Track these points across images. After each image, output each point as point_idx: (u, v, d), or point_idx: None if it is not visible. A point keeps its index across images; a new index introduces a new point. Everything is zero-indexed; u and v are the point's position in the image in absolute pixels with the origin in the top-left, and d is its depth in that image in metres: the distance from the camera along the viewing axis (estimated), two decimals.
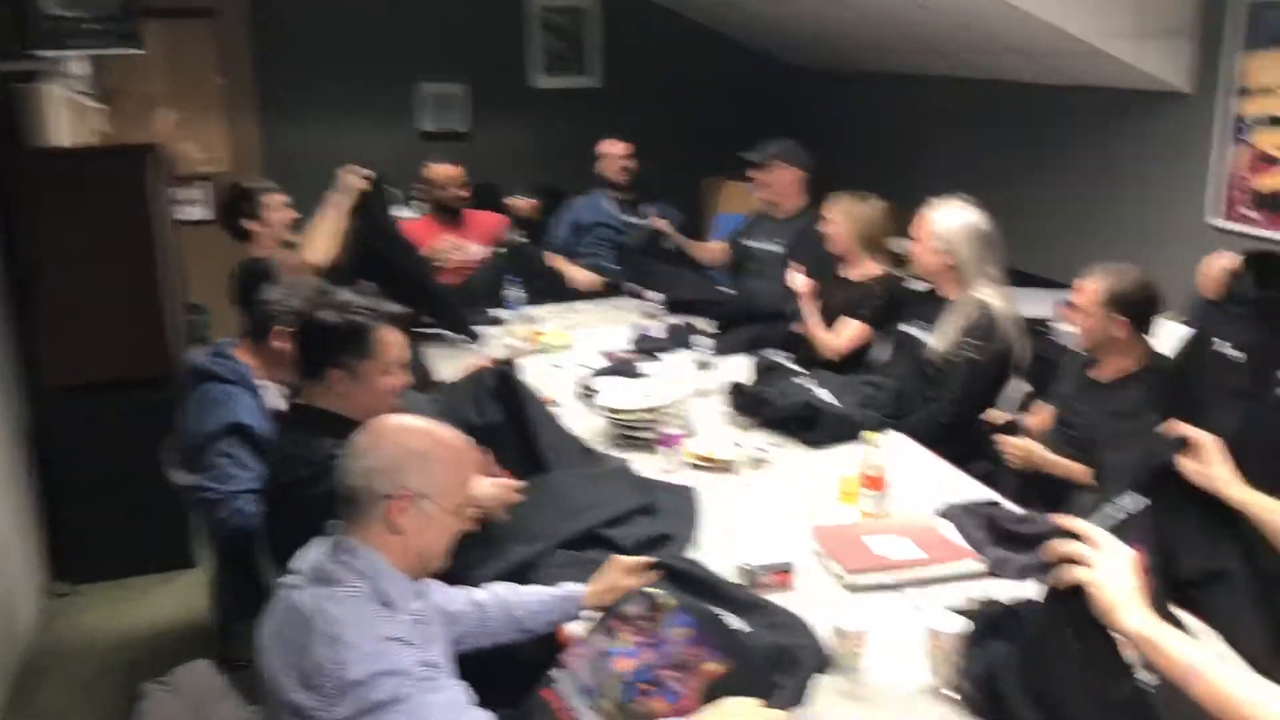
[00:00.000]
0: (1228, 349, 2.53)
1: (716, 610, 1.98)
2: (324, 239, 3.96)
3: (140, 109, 6.17)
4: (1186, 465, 1.95)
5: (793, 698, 1.87)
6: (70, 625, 4.01)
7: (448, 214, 4.97)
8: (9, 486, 3.89)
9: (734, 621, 1.97)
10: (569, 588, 2.17)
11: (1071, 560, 1.55)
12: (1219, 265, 2.80)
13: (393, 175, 6.08)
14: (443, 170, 4.97)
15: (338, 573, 1.77)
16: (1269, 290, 2.62)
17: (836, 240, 4.05)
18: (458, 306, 4.40)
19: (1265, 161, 4.04)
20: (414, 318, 3.56)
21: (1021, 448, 3.13)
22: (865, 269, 4.03)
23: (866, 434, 2.76)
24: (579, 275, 5.03)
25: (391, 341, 2.46)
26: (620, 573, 2.13)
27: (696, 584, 2.12)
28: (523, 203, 5.48)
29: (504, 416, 2.82)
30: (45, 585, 4.23)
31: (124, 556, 4.26)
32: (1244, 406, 2.01)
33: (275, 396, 2.99)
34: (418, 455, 1.83)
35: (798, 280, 4.04)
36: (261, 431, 2.85)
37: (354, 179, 4.05)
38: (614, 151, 5.34)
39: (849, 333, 3.92)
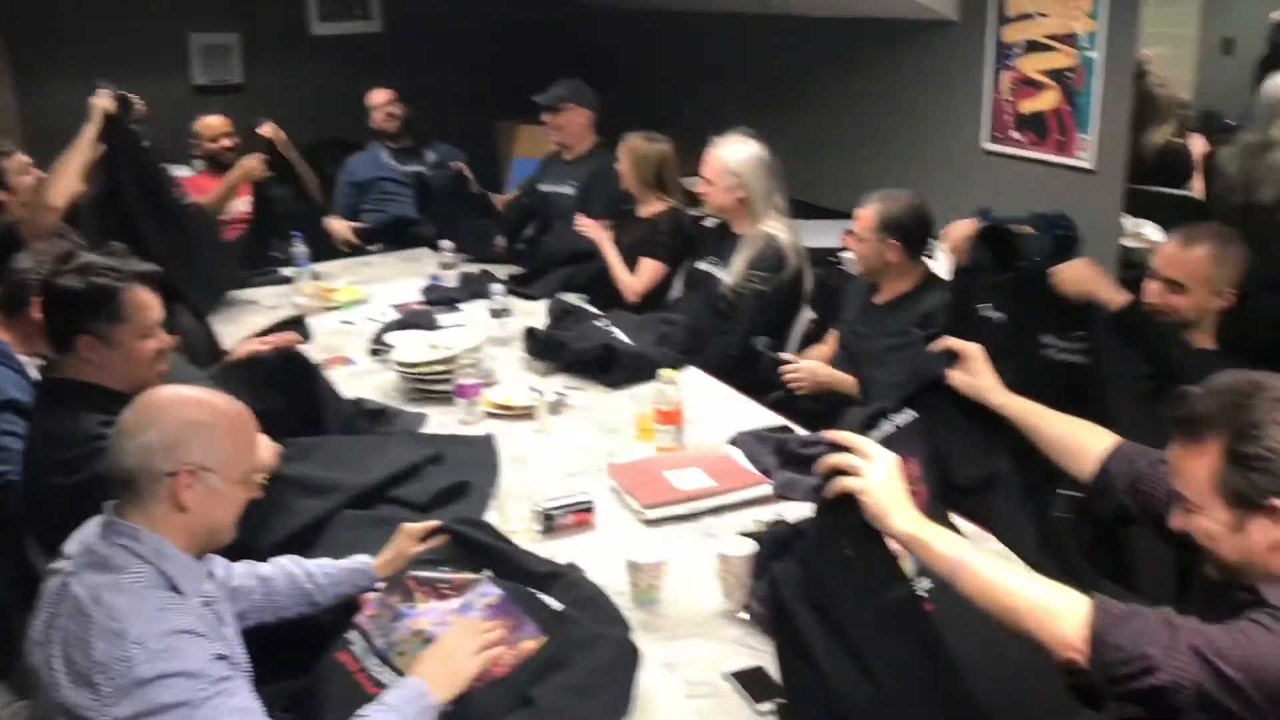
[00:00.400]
0: (990, 311, 2.62)
1: (531, 590, 1.96)
2: (66, 177, 3.55)
3: None
4: (955, 377, 2.05)
5: (620, 703, 1.80)
6: None
7: (221, 168, 4.77)
8: None
9: (549, 601, 1.94)
10: (358, 559, 2.09)
11: (842, 471, 1.60)
12: (960, 234, 2.80)
13: (166, 134, 5.78)
14: (210, 122, 4.86)
15: (116, 558, 1.65)
16: (1004, 262, 2.70)
17: (626, 179, 4.05)
18: (214, 270, 4.09)
19: (1027, 85, 4.23)
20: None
21: (804, 369, 3.23)
22: (653, 207, 4.05)
23: (662, 371, 2.78)
24: (335, 226, 4.99)
25: (145, 302, 2.33)
26: (409, 540, 2.08)
27: (486, 549, 2.08)
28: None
29: (285, 402, 2.67)
30: None
31: None
32: (1013, 366, 2.12)
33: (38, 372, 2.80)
34: (199, 427, 1.72)
35: (588, 226, 4.04)
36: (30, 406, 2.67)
37: (100, 101, 3.67)
38: (379, 100, 5.22)
39: (646, 273, 3.94)
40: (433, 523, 2.11)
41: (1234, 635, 1.39)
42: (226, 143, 4.83)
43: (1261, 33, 4.12)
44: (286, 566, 2.08)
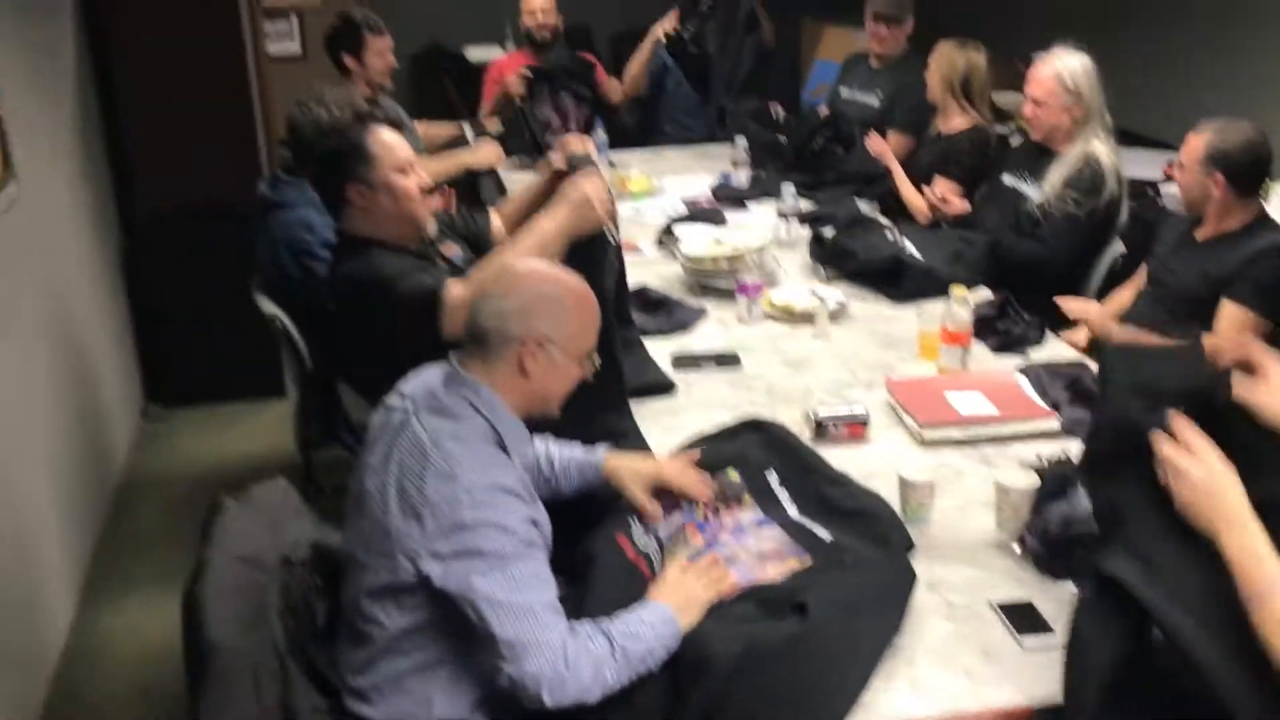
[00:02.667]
0: None
1: (802, 522, 1.96)
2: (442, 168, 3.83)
3: None
4: (1245, 390, 1.60)
5: (892, 623, 1.75)
6: (164, 448, 4.18)
7: (539, 48, 4.88)
8: (104, 311, 4.01)
9: (820, 531, 1.94)
10: (596, 453, 2.10)
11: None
12: None
13: (485, 11, 5.95)
14: (535, 2, 4.87)
15: (456, 406, 1.77)
16: None
17: (930, 89, 3.88)
18: None
19: None
20: None
21: (1080, 309, 3.04)
22: (954, 122, 3.86)
23: (955, 288, 2.68)
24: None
25: (389, 141, 2.47)
26: (645, 484, 2.04)
27: (772, 446, 2.10)
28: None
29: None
30: (141, 408, 4.40)
31: (216, 383, 4.40)
32: None
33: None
34: (551, 301, 1.83)
35: (878, 146, 3.91)
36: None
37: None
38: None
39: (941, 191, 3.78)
40: (689, 454, 2.11)
41: None
42: (545, 20, 4.85)
43: None
44: (543, 445, 2.11)
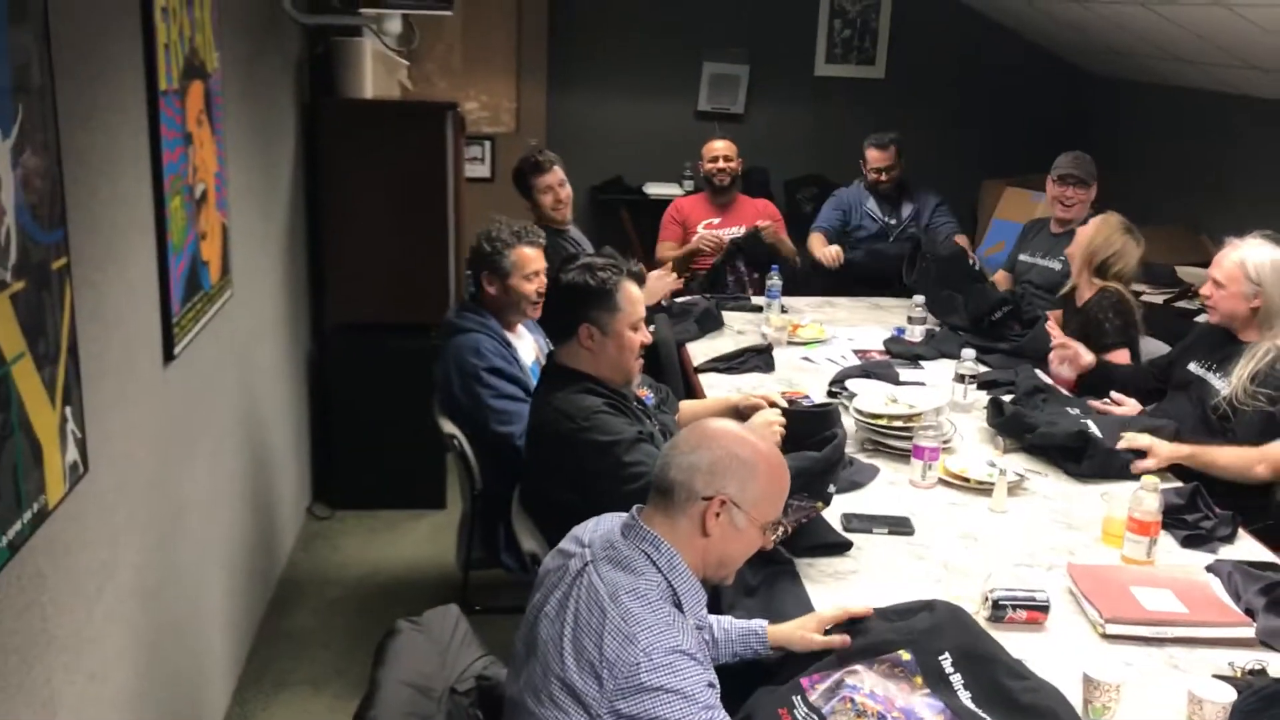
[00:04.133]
0: None
1: (975, 710, 1.90)
2: None
3: (438, 67, 6.49)
4: None
5: None
6: (328, 548, 4.30)
7: (717, 192, 5.03)
8: (289, 412, 4.20)
9: None
10: (757, 623, 2.10)
11: None
12: None
13: (666, 151, 6.18)
14: (715, 145, 5.07)
15: (635, 560, 1.78)
16: None
17: (1072, 253, 3.89)
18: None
19: None
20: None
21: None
22: (1084, 294, 3.83)
23: (1147, 477, 2.59)
24: (823, 250, 4.99)
25: (635, 296, 2.61)
26: (814, 624, 2.07)
27: (951, 631, 2.04)
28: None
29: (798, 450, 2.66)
30: (309, 507, 4.55)
31: (383, 490, 4.54)
32: None
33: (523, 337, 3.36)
34: (743, 464, 1.83)
35: (1058, 334, 3.81)
36: (511, 372, 3.16)
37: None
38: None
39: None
40: (855, 609, 2.08)
41: None
42: (725, 165, 5.02)
43: None
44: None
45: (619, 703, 1.64)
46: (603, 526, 1.89)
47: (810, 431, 2.65)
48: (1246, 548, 2.69)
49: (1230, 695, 1.89)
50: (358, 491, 4.55)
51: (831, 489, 2.57)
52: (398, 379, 4.34)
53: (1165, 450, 3.01)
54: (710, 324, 4.25)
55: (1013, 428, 3.17)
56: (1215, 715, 1.89)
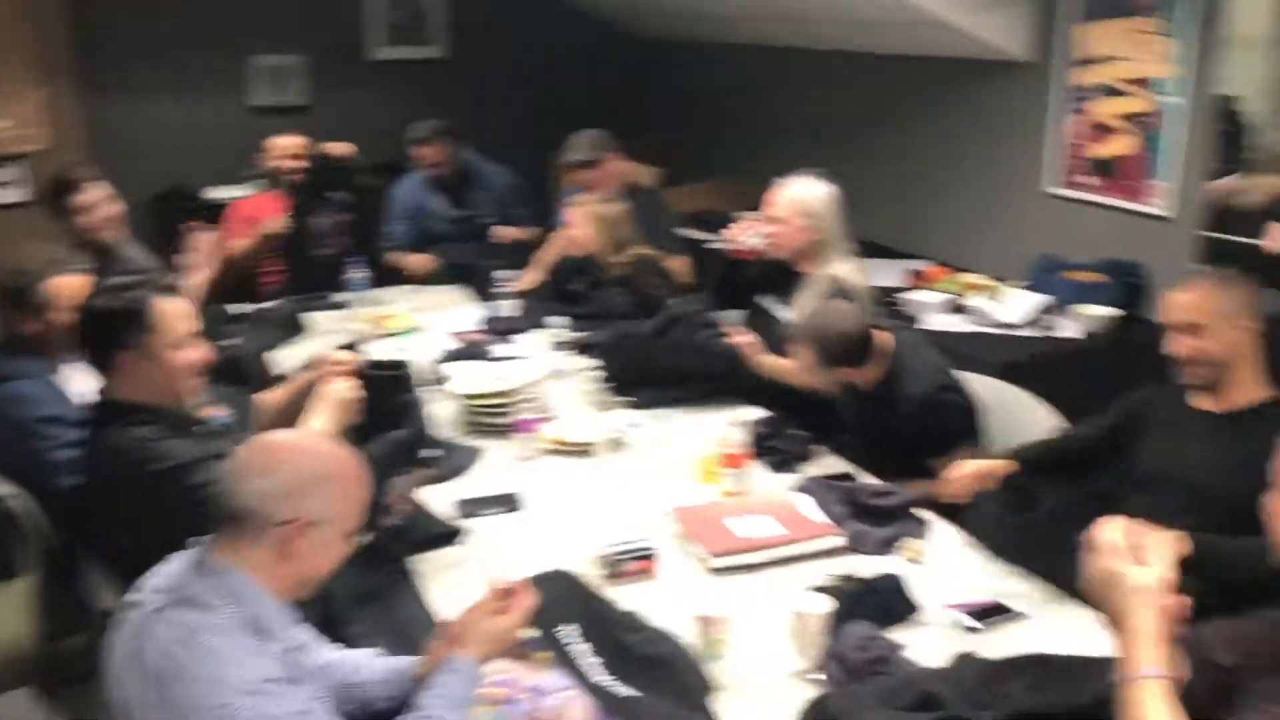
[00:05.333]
0: None
1: (600, 683, 1.89)
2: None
3: None
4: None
5: None
6: None
7: (295, 190, 4.72)
8: None
9: (620, 689, 1.87)
10: (406, 661, 1.90)
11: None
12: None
13: (221, 152, 5.80)
14: (281, 141, 4.76)
15: (206, 596, 1.60)
16: None
17: (585, 243, 4.07)
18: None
19: (1100, 130, 4.14)
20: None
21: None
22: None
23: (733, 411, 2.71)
24: (412, 261, 4.84)
25: (173, 311, 2.36)
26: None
27: (567, 600, 2.03)
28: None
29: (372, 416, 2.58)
30: None
31: None
32: None
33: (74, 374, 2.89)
34: (320, 480, 1.67)
35: None
36: (71, 416, 2.74)
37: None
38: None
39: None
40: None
41: None
42: (293, 163, 4.73)
43: None
44: (343, 657, 1.93)
45: None
46: (169, 568, 1.70)
47: (385, 394, 2.58)
48: (828, 461, 2.90)
49: (826, 605, 2.01)
50: None
51: (431, 453, 2.50)
52: None
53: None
54: (292, 329, 4.02)
55: (622, 354, 3.35)
56: (815, 626, 1.99)
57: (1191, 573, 1.58)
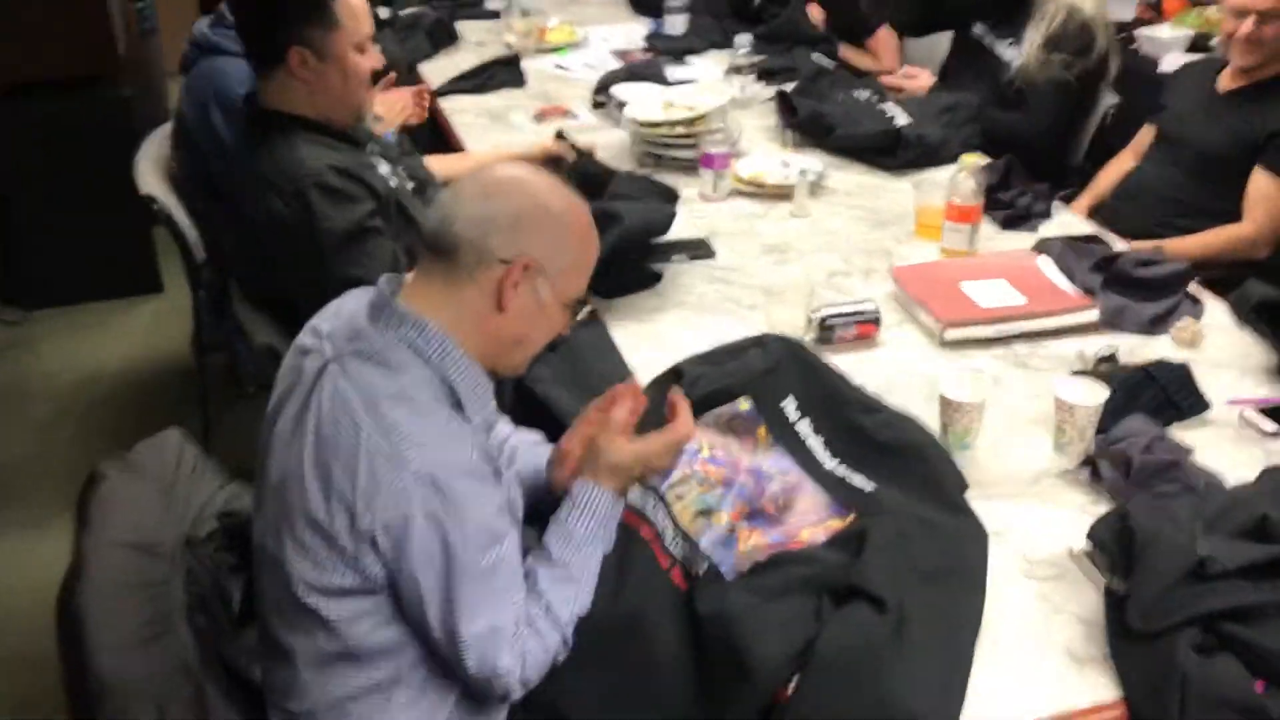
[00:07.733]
0: None
1: (835, 471, 1.59)
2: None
3: None
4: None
5: (977, 607, 1.40)
6: (27, 356, 3.62)
7: None
8: None
9: (859, 480, 1.57)
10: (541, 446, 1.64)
11: None
12: None
13: None
14: None
15: (395, 353, 1.30)
16: None
17: None
18: None
19: None
20: None
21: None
22: None
23: (965, 156, 2.30)
24: None
25: (359, 9, 2.05)
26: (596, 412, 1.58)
27: (791, 365, 1.71)
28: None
29: None
30: None
31: (82, 279, 3.83)
32: None
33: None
34: (554, 220, 1.35)
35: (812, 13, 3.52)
36: None
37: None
38: None
39: (888, 55, 3.49)
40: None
41: None
42: None
43: None
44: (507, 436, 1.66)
45: (382, 539, 1.24)
46: (346, 309, 1.41)
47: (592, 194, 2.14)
48: (1066, 221, 2.49)
49: (1102, 395, 1.67)
50: (52, 285, 3.82)
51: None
52: (76, 146, 3.59)
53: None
54: (443, 38, 3.64)
55: (810, 129, 2.81)
56: (1085, 419, 1.67)
57: None
